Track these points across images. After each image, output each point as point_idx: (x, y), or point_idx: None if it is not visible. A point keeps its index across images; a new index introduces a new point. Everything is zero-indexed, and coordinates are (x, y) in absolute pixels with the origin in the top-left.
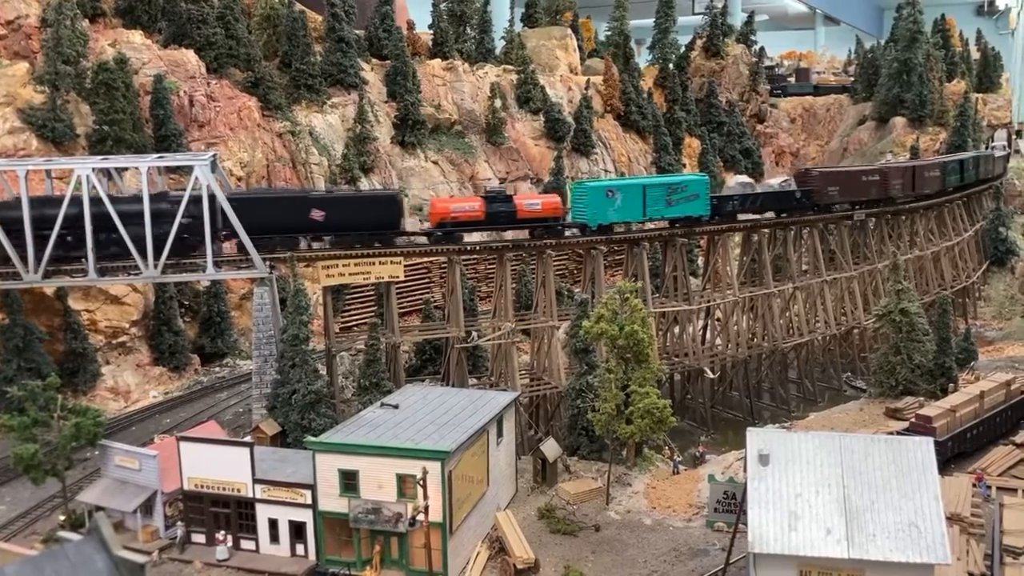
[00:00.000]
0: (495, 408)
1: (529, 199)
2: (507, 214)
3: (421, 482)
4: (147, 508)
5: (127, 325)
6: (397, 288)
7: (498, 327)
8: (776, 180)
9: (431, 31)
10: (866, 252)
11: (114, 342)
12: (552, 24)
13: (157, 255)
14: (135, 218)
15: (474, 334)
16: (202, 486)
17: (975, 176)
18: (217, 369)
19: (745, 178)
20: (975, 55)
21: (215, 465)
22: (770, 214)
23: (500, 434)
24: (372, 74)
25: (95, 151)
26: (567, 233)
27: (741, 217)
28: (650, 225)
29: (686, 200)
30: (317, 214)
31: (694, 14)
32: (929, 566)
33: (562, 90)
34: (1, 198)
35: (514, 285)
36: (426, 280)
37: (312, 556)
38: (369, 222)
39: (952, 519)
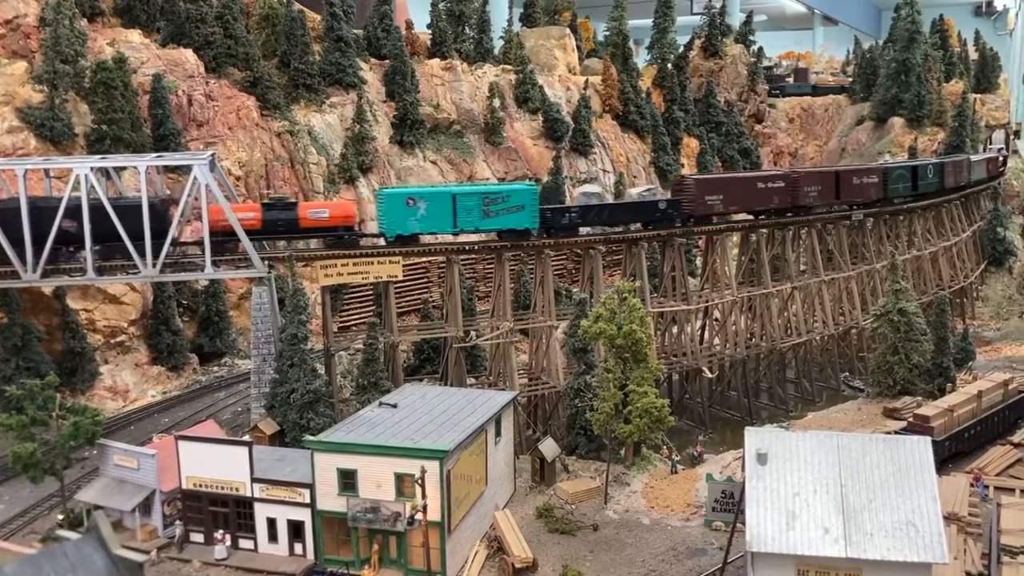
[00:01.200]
0: (493, 407)
1: (315, 207)
2: (287, 222)
3: (419, 481)
4: (145, 507)
5: (125, 324)
6: (395, 287)
7: (496, 327)
8: (637, 189)
9: (430, 31)
10: (864, 252)
11: (112, 341)
12: (551, 24)
13: None
14: None
15: (472, 334)
16: (200, 485)
17: (939, 184)
18: (215, 368)
19: (593, 187)
20: (973, 55)
21: (213, 464)
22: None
23: (498, 433)
24: (371, 74)
25: (93, 150)
26: (362, 243)
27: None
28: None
29: (508, 211)
30: (68, 224)
31: (692, 14)
32: (927, 565)
33: (560, 90)
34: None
35: (512, 285)
36: (424, 280)
37: (310, 555)
38: (127, 232)
39: (950, 518)
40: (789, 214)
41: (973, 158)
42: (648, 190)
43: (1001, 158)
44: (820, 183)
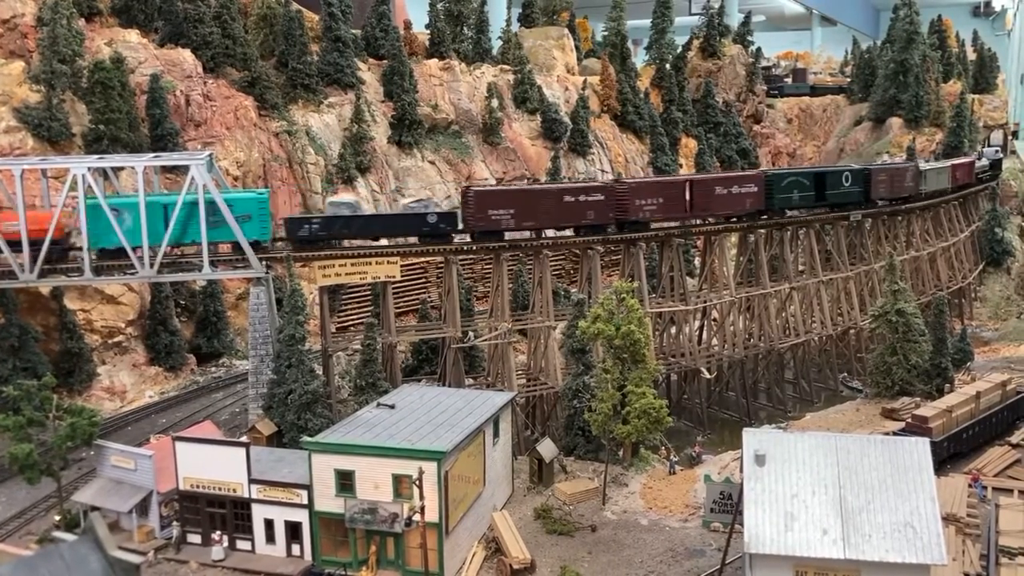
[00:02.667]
0: (491, 408)
1: (8, 220)
2: None
3: (417, 482)
4: (143, 508)
5: (123, 325)
6: (394, 288)
7: (495, 327)
8: (407, 200)
9: (428, 31)
10: (862, 252)
11: (110, 342)
12: (549, 24)
13: None
14: None
15: (470, 334)
16: (198, 486)
17: (861, 195)
18: (213, 369)
19: (348, 197)
20: (971, 56)
21: (211, 465)
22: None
23: (496, 434)
24: (369, 74)
25: (91, 150)
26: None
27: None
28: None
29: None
30: None
31: (691, 14)
32: (925, 567)
33: (559, 90)
34: None
35: (511, 285)
36: (423, 280)
37: (308, 556)
38: None
39: (948, 519)
40: (619, 229)
41: (924, 165)
42: (419, 201)
43: (988, 162)
44: (661, 195)
